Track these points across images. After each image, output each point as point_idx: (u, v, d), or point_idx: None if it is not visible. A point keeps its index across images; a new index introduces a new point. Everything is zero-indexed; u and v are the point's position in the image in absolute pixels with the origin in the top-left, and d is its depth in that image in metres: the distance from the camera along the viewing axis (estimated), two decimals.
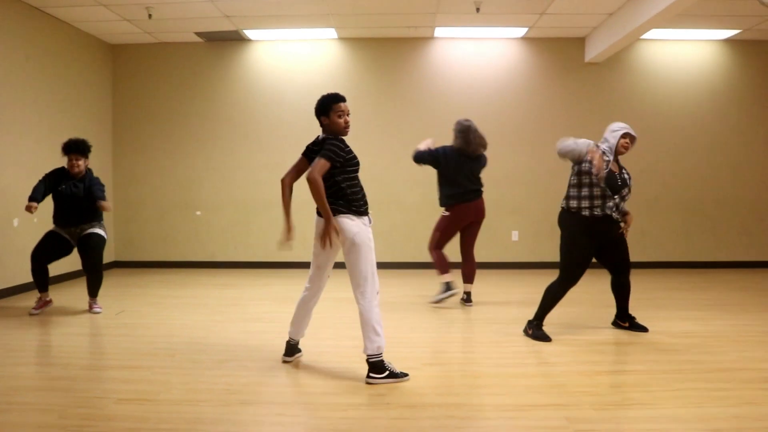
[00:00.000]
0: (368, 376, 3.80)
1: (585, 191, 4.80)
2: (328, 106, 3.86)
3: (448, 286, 6.25)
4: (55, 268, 6.92)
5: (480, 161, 6.28)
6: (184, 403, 3.47)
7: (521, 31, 8.66)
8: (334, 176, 3.82)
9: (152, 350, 4.60)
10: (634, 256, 5.55)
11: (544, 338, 4.83)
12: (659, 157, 9.02)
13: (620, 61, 8.99)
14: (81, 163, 5.84)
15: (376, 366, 3.79)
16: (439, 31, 8.65)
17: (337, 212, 3.81)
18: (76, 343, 4.88)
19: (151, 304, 6.49)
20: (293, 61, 8.98)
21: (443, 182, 6.21)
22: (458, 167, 6.13)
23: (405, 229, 8.85)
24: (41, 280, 5.92)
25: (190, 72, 9.06)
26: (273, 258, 9.06)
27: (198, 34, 8.63)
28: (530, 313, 5.12)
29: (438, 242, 6.29)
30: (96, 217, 5.95)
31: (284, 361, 4.29)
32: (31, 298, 6.48)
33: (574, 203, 4.85)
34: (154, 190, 9.09)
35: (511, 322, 5.47)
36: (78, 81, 8.26)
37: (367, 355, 3.80)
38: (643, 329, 5.09)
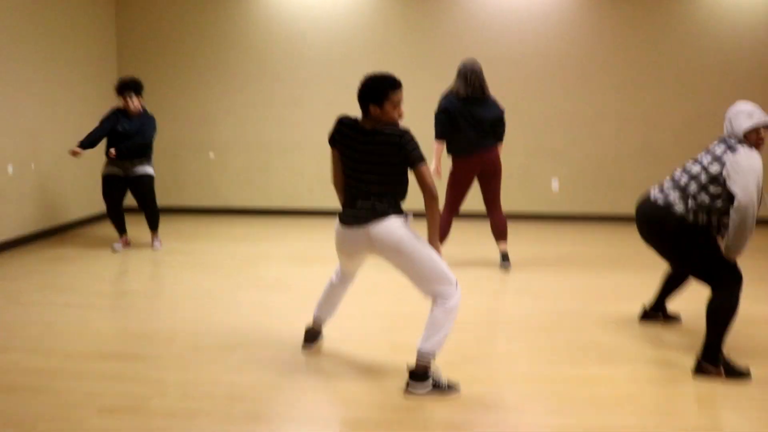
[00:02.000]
0: (408, 386, 3.13)
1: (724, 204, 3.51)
2: (384, 93, 3.05)
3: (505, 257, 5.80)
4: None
5: (487, 107, 5.54)
6: (178, 416, 2.87)
7: None
8: (388, 171, 3.12)
9: (150, 332, 4.00)
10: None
11: (742, 373, 3.41)
12: (720, 98, 8.09)
13: None
14: (135, 100, 6.15)
15: (420, 372, 3.12)
16: None
17: (383, 213, 3.12)
18: (68, 319, 4.29)
19: (157, 262, 5.90)
20: (314, 8, 8.08)
21: (451, 131, 5.49)
22: (460, 114, 5.42)
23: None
24: (117, 224, 6.36)
25: (211, 14, 8.19)
26: (292, 205, 8.41)
27: None
28: (581, 281, 4.42)
29: (447, 201, 5.64)
30: (146, 154, 6.26)
31: (304, 348, 3.69)
32: (29, 253, 5.92)
33: (703, 217, 3.52)
34: (163, 130, 8.33)
35: (558, 295, 4.79)
36: (77, 11, 7.46)
37: (418, 353, 3.11)
38: (676, 319, 4.31)
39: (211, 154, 8.43)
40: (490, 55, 7.96)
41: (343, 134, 3.18)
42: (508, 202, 8.17)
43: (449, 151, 5.56)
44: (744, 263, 3.95)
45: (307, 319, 3.94)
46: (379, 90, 3.04)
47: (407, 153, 3.03)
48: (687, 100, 8.12)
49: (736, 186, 3.33)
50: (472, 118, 5.40)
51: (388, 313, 4.42)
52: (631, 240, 6.45)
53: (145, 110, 6.27)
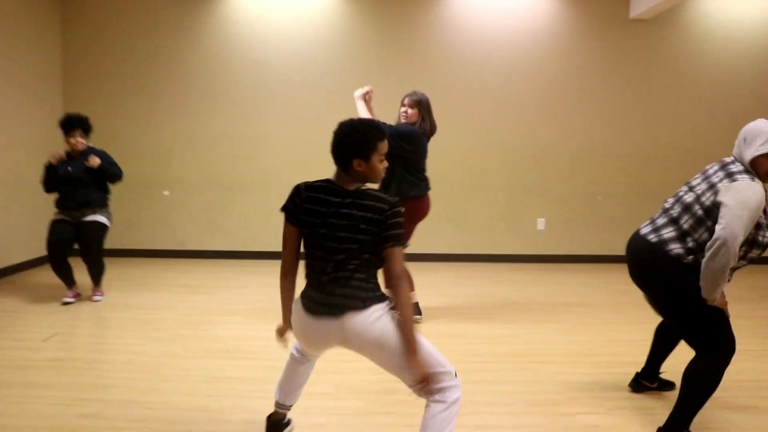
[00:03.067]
0: None
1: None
2: (373, 146, 2.44)
3: (416, 308, 5.09)
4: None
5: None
6: None
7: None
8: (369, 245, 2.45)
9: (72, 421, 3.21)
10: None
11: None
12: (714, 132, 7.63)
13: (672, 17, 7.52)
14: (81, 140, 5.46)
15: None
16: None
17: (364, 302, 2.44)
18: None
19: (95, 320, 5.10)
20: (281, 13, 7.44)
21: (410, 167, 4.81)
22: (425, 149, 4.89)
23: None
24: (64, 276, 5.54)
25: (156, 22, 7.50)
26: (255, 248, 7.66)
27: None
28: (568, 337, 3.76)
29: None
30: (98, 200, 5.55)
31: None
32: None
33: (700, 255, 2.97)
34: None
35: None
36: (19, 33, 6.71)
37: None
38: (670, 386, 3.71)
39: (166, 192, 7.66)
40: (470, 83, 7.40)
41: (309, 203, 2.50)
42: (491, 243, 7.58)
43: (410, 190, 4.83)
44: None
45: (271, 397, 3.22)
46: (366, 141, 2.41)
47: (390, 229, 2.38)
48: (680, 133, 7.66)
49: (721, 218, 2.78)
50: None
51: (367, 390, 3.70)
52: (623, 284, 5.89)
53: (91, 149, 5.57)
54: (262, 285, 6.36)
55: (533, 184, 7.63)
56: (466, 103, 7.49)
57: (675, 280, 2.98)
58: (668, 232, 3.04)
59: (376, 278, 2.49)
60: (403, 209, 2.43)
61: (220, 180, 7.62)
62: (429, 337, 4.69)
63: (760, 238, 2.88)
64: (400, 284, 2.35)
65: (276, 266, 7.17)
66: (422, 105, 4.81)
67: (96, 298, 5.63)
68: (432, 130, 4.86)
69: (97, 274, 5.60)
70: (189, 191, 7.67)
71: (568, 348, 4.48)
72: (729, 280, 2.94)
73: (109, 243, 6.81)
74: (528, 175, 7.61)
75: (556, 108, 7.56)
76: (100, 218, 5.51)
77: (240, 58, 7.49)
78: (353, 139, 2.40)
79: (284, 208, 2.54)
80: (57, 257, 5.39)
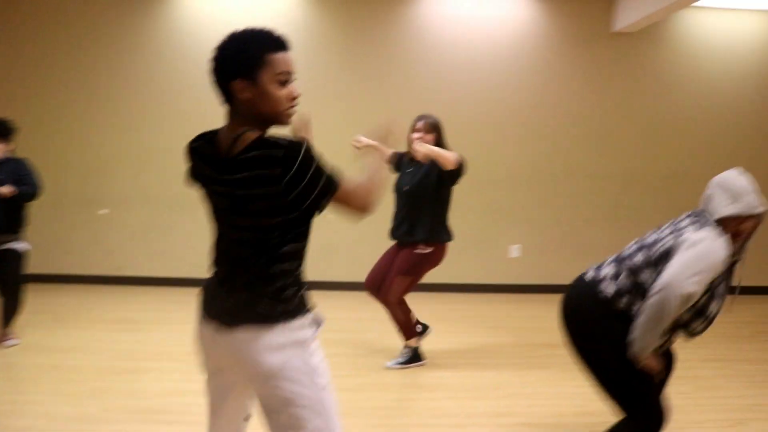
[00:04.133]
0: None
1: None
2: (258, 58, 1.76)
3: (416, 354, 4.49)
4: None
5: None
6: None
7: None
8: (274, 230, 1.76)
9: None
10: None
11: None
12: (699, 155, 7.16)
13: (658, 31, 7.03)
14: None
15: None
16: None
17: (263, 317, 1.77)
18: None
19: (2, 369, 4.31)
20: (235, 13, 6.74)
21: (441, 207, 4.33)
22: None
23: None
24: None
25: (94, 20, 6.73)
26: (198, 274, 6.88)
27: None
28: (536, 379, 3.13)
29: (405, 292, 4.39)
30: (14, 224, 4.65)
31: None
32: None
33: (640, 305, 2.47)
34: (45, 180, 6.78)
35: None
36: None
37: None
38: None
39: (103, 211, 6.86)
40: (442, 96, 6.79)
41: (196, 158, 1.87)
42: (458, 271, 6.92)
43: (440, 235, 4.32)
44: None
45: None
46: (246, 51, 1.75)
47: (307, 183, 1.70)
48: (664, 156, 7.17)
49: (671, 264, 2.31)
50: None
51: None
52: None
53: (12, 161, 4.70)
54: None
55: (507, 207, 7.04)
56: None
57: (600, 329, 2.51)
58: (607, 271, 2.58)
59: (295, 275, 1.81)
60: (310, 146, 1.73)
61: (162, 198, 6.85)
62: (389, 391, 4.03)
63: (710, 309, 2.44)
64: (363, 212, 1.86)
65: None
66: (438, 129, 4.27)
67: (9, 343, 4.68)
68: None
69: (11, 313, 4.71)
70: (129, 210, 6.87)
71: (557, 405, 3.85)
72: (664, 345, 2.49)
73: (38, 267, 5.98)
74: (502, 196, 7.01)
75: (534, 124, 6.99)
76: (17, 246, 4.66)
77: (190, 65, 6.75)
78: (228, 52, 1.77)
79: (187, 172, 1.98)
80: None
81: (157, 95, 6.79)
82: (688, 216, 2.54)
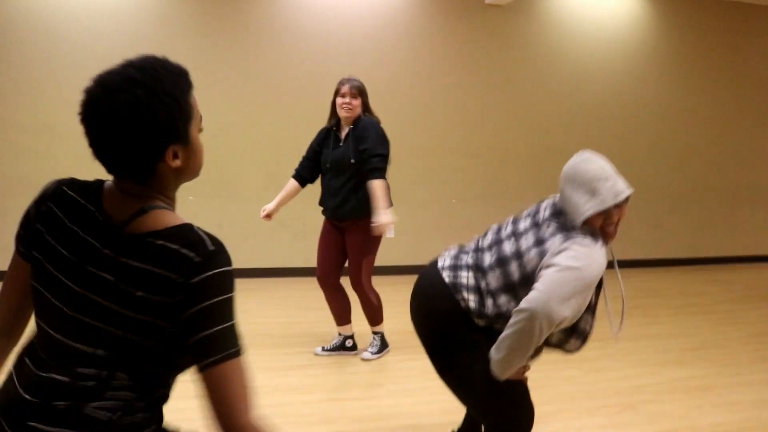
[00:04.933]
0: None
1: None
2: (185, 108, 1.23)
3: (383, 341, 4.27)
4: None
5: None
6: None
7: None
8: (147, 342, 1.22)
9: None
10: None
11: None
12: (570, 132, 7.17)
13: (529, 4, 6.93)
14: None
15: None
16: None
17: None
18: None
19: None
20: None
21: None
22: None
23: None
24: None
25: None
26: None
27: None
28: None
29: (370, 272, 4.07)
30: None
31: None
32: None
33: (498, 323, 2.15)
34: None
35: None
36: None
37: None
38: None
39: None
40: (306, 77, 6.31)
41: (56, 219, 1.27)
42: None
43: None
44: None
45: None
46: (176, 101, 1.20)
47: (201, 318, 1.16)
48: (538, 129, 7.11)
49: (539, 284, 1.96)
50: None
51: None
52: None
53: None
54: None
55: None
56: (295, 99, 6.41)
57: (461, 334, 2.17)
58: (466, 278, 2.22)
59: (151, 400, 1.27)
60: (229, 267, 1.22)
61: None
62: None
63: (583, 325, 2.16)
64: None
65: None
66: (364, 93, 3.91)
67: None
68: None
69: None
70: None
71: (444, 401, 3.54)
72: (528, 364, 2.19)
73: None
74: None
75: (404, 100, 6.68)
76: None
77: (26, 26, 5.86)
78: (162, 103, 1.17)
79: (19, 232, 1.32)
80: None
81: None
82: (551, 216, 2.15)
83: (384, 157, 3.86)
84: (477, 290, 2.17)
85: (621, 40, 7.27)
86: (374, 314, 4.15)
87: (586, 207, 2.05)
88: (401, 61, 6.63)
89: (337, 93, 3.91)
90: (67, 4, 5.86)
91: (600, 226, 2.10)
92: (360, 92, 3.89)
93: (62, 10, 5.86)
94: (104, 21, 5.94)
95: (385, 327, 4.24)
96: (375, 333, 4.22)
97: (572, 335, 2.18)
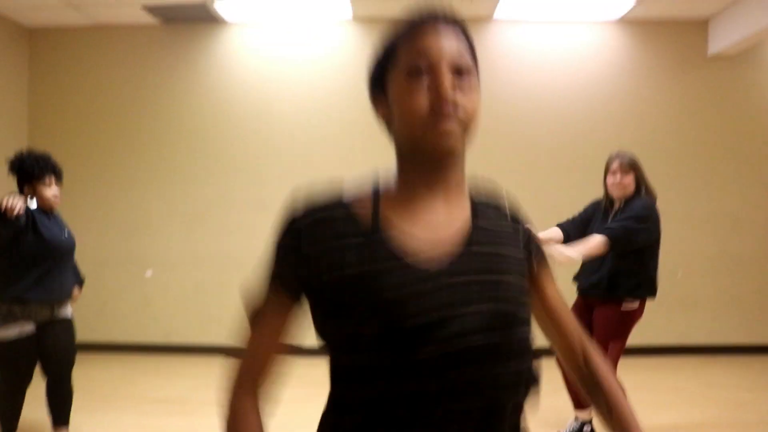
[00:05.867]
0: None
1: None
2: (391, 51, 1.10)
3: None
4: None
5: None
6: None
7: (621, 9, 5.90)
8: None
9: None
10: None
11: None
12: None
13: (761, 53, 6.23)
14: (58, 189, 3.53)
15: None
16: (503, 8, 5.88)
17: None
18: None
19: None
20: (287, 54, 6.19)
21: (649, 255, 3.62)
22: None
23: None
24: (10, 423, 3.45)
25: (138, 69, 6.25)
26: None
27: (149, 9, 5.82)
28: None
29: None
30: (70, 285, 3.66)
31: None
32: None
33: None
34: (84, 238, 6.20)
35: None
36: None
37: None
38: None
39: (149, 272, 6.27)
40: (518, 134, 6.06)
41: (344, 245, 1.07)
42: None
43: (647, 288, 3.67)
44: None
45: None
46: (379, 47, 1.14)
47: None
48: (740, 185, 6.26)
49: None
50: None
51: None
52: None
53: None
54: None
55: None
56: (507, 159, 6.15)
57: None
58: None
59: None
60: None
61: (214, 257, 6.23)
62: None
63: None
64: None
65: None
66: (636, 167, 3.63)
67: None
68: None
69: (63, 404, 3.59)
70: (177, 271, 6.26)
71: None
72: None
73: (79, 335, 5.36)
74: None
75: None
76: (69, 314, 3.62)
77: (242, 112, 6.21)
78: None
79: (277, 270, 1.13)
80: (17, 399, 3.48)
81: (205, 145, 6.24)
82: None
83: (629, 227, 3.46)
84: None
85: None
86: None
87: None
88: (617, 124, 6.19)
89: (606, 170, 3.67)
90: (284, 78, 6.13)
91: None
92: (630, 167, 3.58)
93: (278, 88, 6.13)
94: (317, 96, 6.13)
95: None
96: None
97: None
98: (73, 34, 6.25)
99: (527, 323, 1.09)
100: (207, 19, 6.05)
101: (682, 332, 6.15)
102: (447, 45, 1.05)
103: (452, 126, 1.02)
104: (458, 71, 1.04)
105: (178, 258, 6.26)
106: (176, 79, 6.23)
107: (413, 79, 1.03)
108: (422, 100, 1.02)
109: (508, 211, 1.18)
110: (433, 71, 1.03)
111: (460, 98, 1.02)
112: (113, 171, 6.24)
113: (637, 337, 5.25)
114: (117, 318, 6.29)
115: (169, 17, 6.00)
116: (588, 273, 3.68)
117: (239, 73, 6.21)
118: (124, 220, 6.25)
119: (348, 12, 5.91)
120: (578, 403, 3.81)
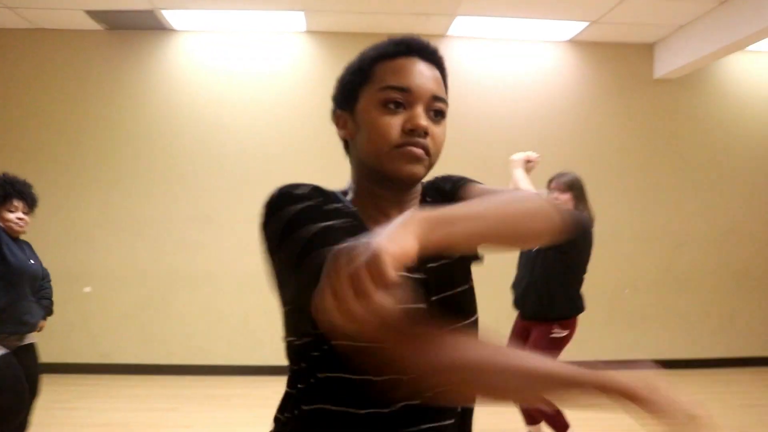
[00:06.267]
0: None
1: None
2: (368, 70, 1.16)
3: None
4: None
5: None
6: None
7: (572, 31, 6.00)
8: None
9: None
10: None
11: None
12: (751, 211, 6.48)
13: (704, 77, 6.43)
14: (27, 216, 3.46)
15: None
16: (457, 25, 5.89)
17: None
18: None
19: None
20: (237, 65, 6.05)
21: (573, 274, 3.69)
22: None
23: None
24: None
25: (81, 75, 6.00)
26: (198, 360, 5.98)
27: (92, 14, 5.58)
28: None
29: None
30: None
31: None
32: None
33: None
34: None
35: None
36: None
37: None
38: None
39: (87, 289, 5.99)
40: (470, 151, 6.08)
41: None
42: None
43: (574, 307, 3.75)
44: None
45: None
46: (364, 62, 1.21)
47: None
48: (718, 210, 6.45)
49: None
50: None
51: None
52: None
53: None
54: (212, 424, 4.69)
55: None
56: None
57: None
58: None
59: None
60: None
61: (156, 274, 6.00)
62: None
63: None
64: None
65: (231, 385, 5.58)
66: (574, 187, 3.65)
67: None
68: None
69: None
70: (117, 288, 6.00)
71: None
72: None
73: None
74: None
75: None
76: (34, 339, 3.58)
77: (191, 119, 6.02)
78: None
79: None
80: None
81: (150, 155, 6.02)
82: None
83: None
84: None
85: None
86: (552, 420, 3.73)
87: None
88: (566, 141, 6.28)
89: (548, 189, 3.72)
90: (233, 89, 5.99)
91: None
92: (569, 186, 3.59)
93: (227, 99, 5.98)
94: (267, 108, 6.01)
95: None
96: None
97: None
98: (12, 36, 5.94)
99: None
100: (155, 27, 5.86)
101: (630, 348, 6.23)
102: (426, 81, 1.10)
103: (421, 156, 1.08)
104: (433, 103, 1.10)
105: (119, 273, 6.00)
106: (121, 87, 6.00)
107: (389, 108, 1.09)
108: (396, 128, 1.07)
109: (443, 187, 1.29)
110: (411, 106, 1.08)
111: (432, 129, 1.09)
112: (51, 179, 5.91)
113: (584, 353, 5.27)
114: (53, 337, 5.91)
115: (114, 24, 5.78)
116: (521, 288, 3.74)
117: (187, 84, 6.03)
118: (62, 232, 5.95)
119: (302, 25, 5.82)
120: (530, 419, 3.80)
